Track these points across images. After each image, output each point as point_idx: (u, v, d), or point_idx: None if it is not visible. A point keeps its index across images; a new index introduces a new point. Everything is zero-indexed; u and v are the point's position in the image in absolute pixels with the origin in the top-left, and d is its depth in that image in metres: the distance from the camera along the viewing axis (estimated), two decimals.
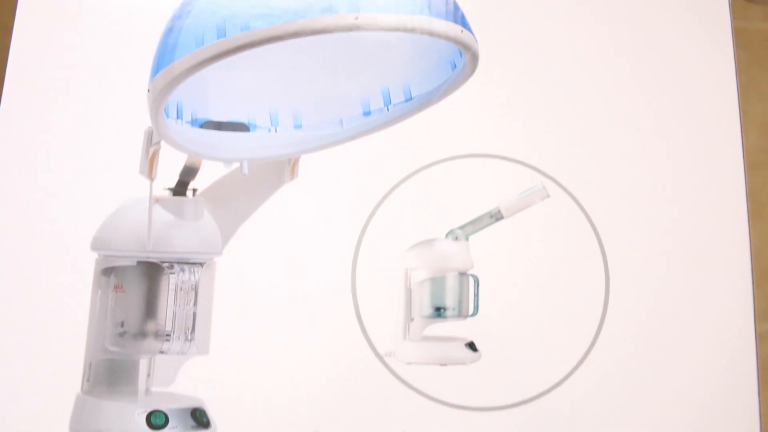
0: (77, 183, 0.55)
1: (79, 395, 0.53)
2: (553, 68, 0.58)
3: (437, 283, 0.56)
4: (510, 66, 0.57)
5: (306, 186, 0.55)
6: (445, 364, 0.53)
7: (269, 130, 0.55)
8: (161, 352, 0.54)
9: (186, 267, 0.54)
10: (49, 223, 0.55)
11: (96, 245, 0.55)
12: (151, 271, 0.54)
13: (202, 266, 0.55)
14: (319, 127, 0.55)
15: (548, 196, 0.55)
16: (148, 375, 0.55)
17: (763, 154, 0.77)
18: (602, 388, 0.53)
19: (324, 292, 0.54)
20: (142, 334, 0.54)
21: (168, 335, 0.54)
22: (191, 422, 0.53)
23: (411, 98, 0.55)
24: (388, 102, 0.55)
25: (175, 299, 0.54)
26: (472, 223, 0.55)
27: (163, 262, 0.54)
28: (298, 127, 0.55)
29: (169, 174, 0.55)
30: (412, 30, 0.53)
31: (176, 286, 0.54)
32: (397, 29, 0.53)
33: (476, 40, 0.54)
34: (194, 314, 0.54)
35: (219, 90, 0.55)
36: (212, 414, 0.53)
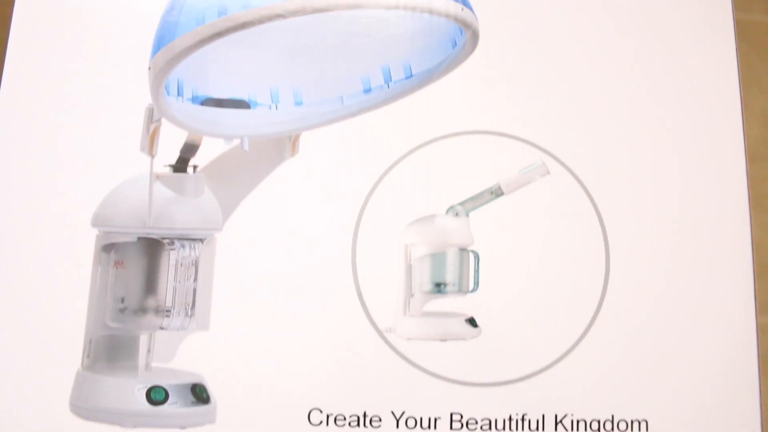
0: (78, 160, 0.55)
1: (79, 371, 0.53)
2: (554, 47, 0.58)
3: (437, 259, 0.56)
4: (511, 43, 0.57)
5: (306, 162, 0.55)
6: (445, 340, 0.53)
7: (270, 107, 0.55)
8: (161, 328, 0.54)
9: (186, 243, 0.54)
10: (50, 200, 0.55)
11: (96, 222, 0.55)
12: (152, 247, 0.55)
13: (203, 242, 0.55)
14: (319, 104, 0.56)
15: (548, 173, 0.55)
16: (148, 351, 0.55)
17: (765, 146, 0.77)
18: (602, 365, 0.53)
19: (324, 269, 0.54)
20: (142, 310, 0.54)
21: (168, 311, 0.54)
22: (191, 398, 0.53)
23: (411, 75, 0.56)
24: (388, 79, 0.55)
25: (176, 275, 0.54)
26: (472, 199, 0.55)
27: (164, 238, 0.54)
28: (298, 104, 0.55)
29: (169, 151, 0.55)
30: (413, 8, 0.54)
31: (176, 262, 0.54)
32: (397, 7, 0.54)
33: (476, 18, 0.55)
34: (194, 290, 0.54)
35: (220, 67, 0.55)
36: (212, 389, 0.53)
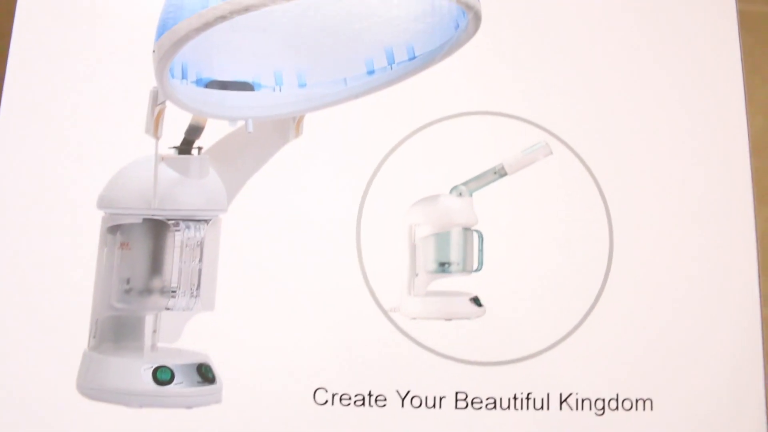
0: (83, 142, 0.56)
1: (85, 351, 0.53)
2: (557, 30, 0.58)
3: (441, 238, 0.56)
4: (513, 24, 0.57)
5: (311, 144, 0.56)
6: (449, 319, 0.53)
7: (274, 89, 0.56)
8: (167, 309, 0.55)
9: (191, 224, 0.55)
10: (56, 182, 0.55)
11: (102, 203, 0.55)
12: (157, 229, 0.55)
13: (208, 223, 0.55)
14: (323, 86, 0.56)
15: (551, 152, 0.55)
16: (154, 331, 0.55)
17: None
18: (607, 344, 0.53)
19: (328, 249, 0.54)
20: (147, 291, 0.55)
21: (174, 291, 0.54)
22: (197, 378, 0.53)
23: (414, 57, 0.56)
24: (391, 61, 0.56)
25: (181, 256, 0.55)
26: (475, 179, 0.55)
27: (169, 220, 0.55)
28: (302, 86, 0.56)
29: (174, 133, 0.56)
30: None
31: (182, 242, 0.55)
32: None
33: (479, 0, 0.55)
34: (200, 271, 0.55)
35: (224, 50, 0.55)
36: (218, 369, 0.53)
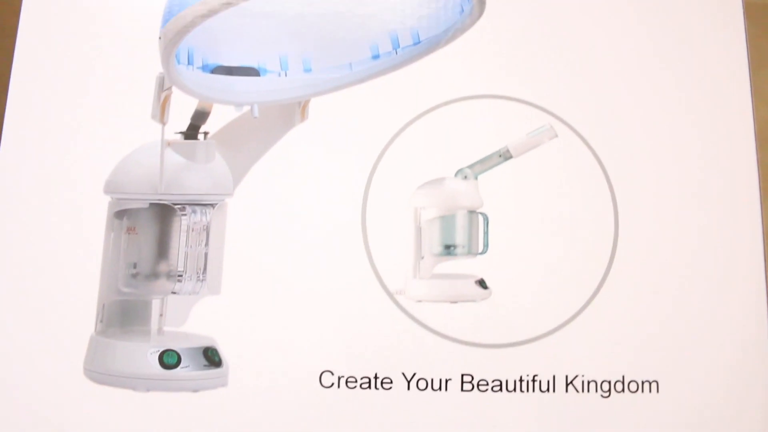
0: (90, 128, 0.56)
1: (92, 336, 0.54)
2: (562, 13, 0.58)
3: (447, 221, 0.56)
4: (517, 8, 0.58)
5: (316, 128, 0.56)
6: (455, 301, 0.53)
7: (279, 74, 0.56)
8: (173, 293, 0.55)
9: (198, 208, 0.55)
10: (63, 168, 0.55)
11: (109, 188, 0.55)
12: (163, 213, 0.55)
13: (214, 207, 0.55)
14: (328, 71, 0.56)
15: (556, 135, 0.55)
16: (161, 315, 0.55)
17: None
18: (612, 326, 0.53)
19: (334, 232, 0.54)
20: (154, 275, 0.55)
21: (180, 276, 0.54)
22: (203, 361, 0.53)
23: (419, 42, 0.56)
24: (396, 46, 0.56)
25: (187, 240, 0.55)
26: (480, 162, 0.55)
27: (175, 204, 0.55)
28: (307, 70, 0.56)
29: (180, 118, 0.56)
30: None
31: (188, 227, 0.55)
32: None
33: None
34: (206, 255, 0.55)
35: (229, 36, 0.55)
36: (224, 353, 0.53)
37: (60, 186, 0.55)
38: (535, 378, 0.53)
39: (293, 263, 0.54)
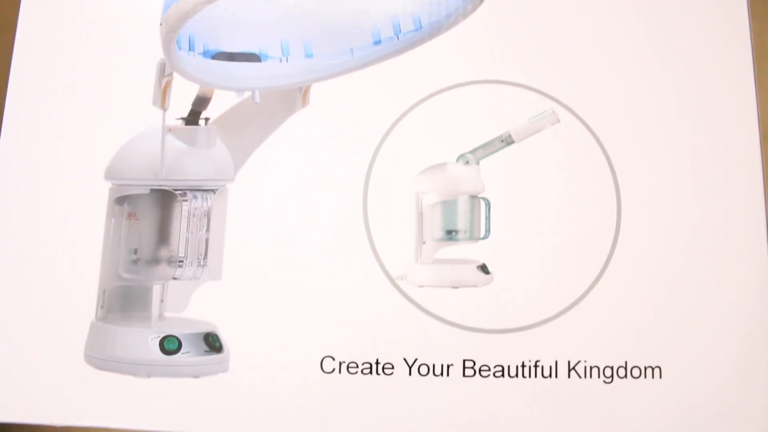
0: (91, 114, 0.56)
1: (93, 322, 0.54)
2: None
3: (448, 206, 0.56)
4: None
5: (317, 113, 0.56)
6: (456, 287, 0.53)
7: (280, 60, 0.56)
8: (174, 278, 0.55)
9: (198, 194, 0.55)
10: (64, 154, 0.55)
11: (110, 174, 0.55)
12: (164, 199, 0.55)
13: (215, 193, 0.55)
14: (329, 57, 0.56)
15: (558, 121, 0.55)
16: (162, 301, 0.55)
17: None
18: (615, 311, 0.53)
19: (335, 217, 0.54)
20: (155, 261, 0.55)
21: (181, 261, 0.54)
22: (204, 347, 0.53)
23: (421, 27, 0.56)
24: (398, 31, 0.56)
25: (188, 226, 0.55)
26: (482, 147, 0.55)
27: (176, 190, 0.55)
28: (309, 56, 0.56)
29: (181, 104, 0.56)
30: None
31: (189, 212, 0.55)
32: None
33: None
34: (207, 240, 0.55)
35: (230, 22, 0.55)
36: (225, 338, 0.53)
37: (61, 172, 0.55)
38: (537, 363, 0.52)
39: (294, 249, 0.54)
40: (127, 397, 0.52)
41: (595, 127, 0.55)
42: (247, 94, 0.56)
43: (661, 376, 0.52)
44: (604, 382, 0.52)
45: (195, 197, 0.55)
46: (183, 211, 0.55)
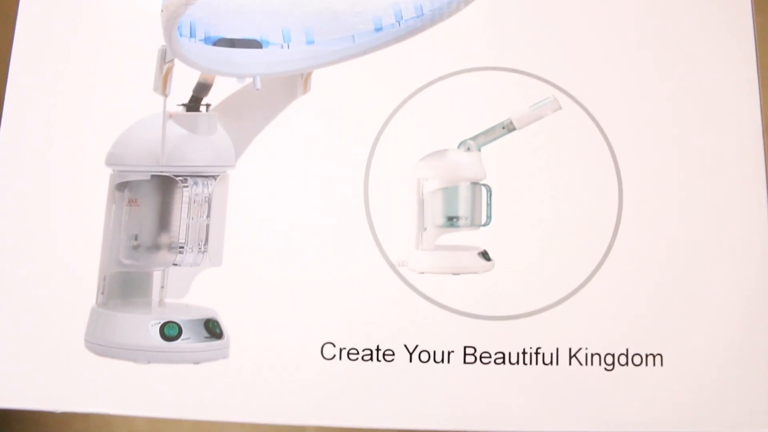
0: (92, 100, 0.56)
1: (93, 308, 0.53)
2: None
3: (450, 192, 0.55)
4: None
5: (319, 100, 0.56)
6: (458, 273, 0.53)
7: (282, 46, 0.56)
8: (175, 264, 0.55)
9: (199, 180, 0.55)
10: (65, 140, 0.55)
11: (110, 161, 0.55)
12: (165, 185, 0.55)
13: (216, 179, 0.55)
14: (331, 43, 0.56)
15: (560, 108, 0.55)
16: (162, 287, 0.55)
17: None
18: (616, 298, 0.53)
19: (336, 204, 0.54)
20: (155, 247, 0.55)
21: (181, 247, 0.54)
22: (204, 333, 0.53)
23: (422, 14, 0.56)
24: (399, 18, 0.56)
25: (189, 212, 0.55)
26: (484, 133, 0.55)
27: (177, 176, 0.55)
28: (310, 42, 0.56)
29: (182, 91, 0.56)
30: None
31: (190, 199, 0.55)
32: None
33: None
34: (207, 226, 0.55)
35: (232, 8, 0.55)
36: (225, 324, 0.53)
37: (61, 159, 0.55)
38: (538, 350, 0.52)
39: (295, 235, 0.54)
40: (127, 383, 0.52)
41: (597, 115, 0.55)
42: (248, 80, 0.55)
43: (662, 364, 0.52)
44: (605, 369, 0.52)
45: (196, 183, 0.55)
46: (184, 197, 0.54)
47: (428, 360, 0.52)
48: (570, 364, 0.52)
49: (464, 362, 0.52)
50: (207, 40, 0.55)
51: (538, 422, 0.51)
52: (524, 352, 0.52)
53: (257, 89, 0.55)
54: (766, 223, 0.54)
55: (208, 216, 0.55)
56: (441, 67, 0.56)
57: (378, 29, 0.56)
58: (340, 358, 0.52)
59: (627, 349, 0.52)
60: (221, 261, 0.54)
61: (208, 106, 0.56)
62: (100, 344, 0.53)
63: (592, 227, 0.54)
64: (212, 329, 0.53)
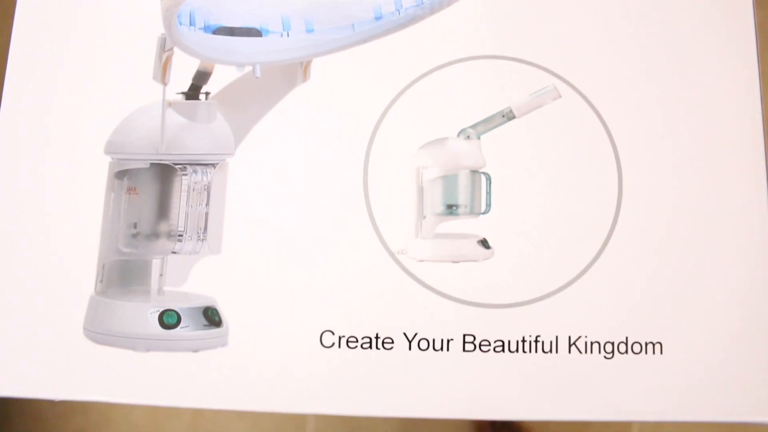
0: (91, 89, 0.56)
1: (92, 296, 0.53)
2: None
3: (449, 181, 0.55)
4: None
5: (318, 88, 0.56)
6: (457, 261, 0.53)
7: (281, 35, 0.56)
8: (174, 252, 0.55)
9: (199, 168, 0.55)
10: (64, 128, 0.55)
11: (110, 149, 0.55)
12: (164, 173, 0.55)
13: (215, 167, 0.55)
14: (331, 32, 0.56)
15: (560, 96, 0.55)
16: (161, 275, 0.55)
17: None
18: (616, 287, 0.53)
19: (336, 192, 0.54)
20: (154, 235, 0.55)
21: (180, 235, 0.54)
22: (203, 321, 0.53)
23: (422, 2, 0.56)
24: (399, 6, 0.56)
25: (188, 200, 0.54)
26: (483, 122, 0.55)
27: (176, 164, 0.55)
28: (310, 31, 0.56)
29: (182, 79, 0.56)
30: None
31: (189, 187, 0.54)
32: None
33: None
34: (206, 214, 0.54)
35: None
36: (224, 312, 0.53)
37: (60, 146, 0.55)
38: (538, 339, 0.52)
39: (294, 223, 0.54)
40: (125, 371, 0.52)
41: (597, 104, 0.55)
42: (248, 68, 0.55)
43: (662, 352, 0.52)
44: (605, 357, 0.52)
45: (195, 171, 0.55)
46: (183, 185, 0.54)
47: (427, 348, 0.52)
48: (569, 352, 0.52)
49: (464, 350, 0.52)
50: (206, 29, 0.55)
51: (538, 410, 0.51)
52: (524, 340, 0.52)
53: (257, 77, 0.55)
54: (766, 211, 0.54)
55: (207, 204, 0.54)
56: (441, 56, 0.56)
57: (378, 18, 0.56)
58: (340, 347, 0.52)
59: (626, 338, 0.52)
60: (220, 249, 0.54)
61: (207, 94, 0.56)
62: (98, 332, 0.53)
63: (591, 215, 0.54)
64: (211, 317, 0.53)
